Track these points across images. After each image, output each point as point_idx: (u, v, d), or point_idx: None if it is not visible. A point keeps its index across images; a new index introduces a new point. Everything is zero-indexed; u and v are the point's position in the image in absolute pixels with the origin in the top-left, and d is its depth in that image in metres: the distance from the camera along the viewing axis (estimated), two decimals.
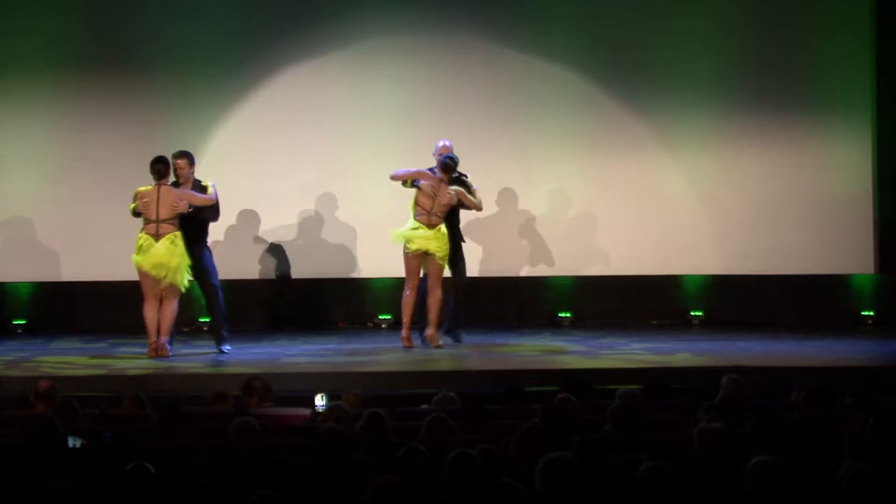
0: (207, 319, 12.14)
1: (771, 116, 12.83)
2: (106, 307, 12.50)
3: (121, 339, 11.59)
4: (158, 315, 10.63)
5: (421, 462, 5.85)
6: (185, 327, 12.28)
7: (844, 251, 12.88)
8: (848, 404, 7.47)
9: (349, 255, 12.68)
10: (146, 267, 10.57)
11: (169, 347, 10.63)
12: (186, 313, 12.43)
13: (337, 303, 12.84)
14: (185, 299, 12.46)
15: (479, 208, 11.28)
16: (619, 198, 12.80)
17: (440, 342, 11.00)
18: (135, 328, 12.15)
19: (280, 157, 12.27)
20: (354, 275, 12.75)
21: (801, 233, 12.88)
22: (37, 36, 12.44)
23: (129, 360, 10.44)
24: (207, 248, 11.05)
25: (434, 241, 10.89)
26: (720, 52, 12.86)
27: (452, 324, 11.31)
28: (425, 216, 10.93)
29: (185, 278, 10.66)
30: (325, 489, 5.84)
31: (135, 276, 12.35)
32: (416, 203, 10.97)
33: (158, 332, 10.61)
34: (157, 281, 10.59)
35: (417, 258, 10.95)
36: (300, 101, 12.56)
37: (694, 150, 12.87)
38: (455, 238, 11.14)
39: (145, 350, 10.77)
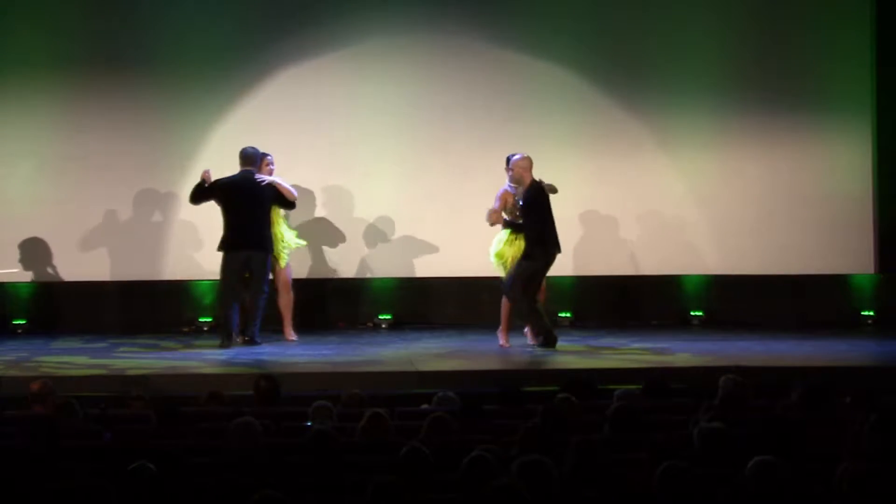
0: (209, 319, 12.15)
1: (771, 116, 12.83)
2: (106, 307, 12.51)
3: (121, 339, 11.59)
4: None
5: (422, 462, 5.86)
6: (185, 327, 12.29)
7: (844, 251, 12.89)
8: (848, 404, 7.48)
9: (349, 255, 12.67)
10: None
11: None
12: (187, 313, 12.46)
13: (337, 303, 12.83)
14: (186, 299, 12.53)
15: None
16: (618, 198, 12.80)
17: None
18: (135, 328, 12.19)
19: (279, 156, 12.20)
20: (354, 275, 12.74)
21: (801, 233, 12.88)
22: (35, 36, 12.43)
23: (129, 360, 10.44)
24: None
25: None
26: (720, 52, 12.86)
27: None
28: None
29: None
30: (325, 489, 5.85)
31: (133, 277, 12.45)
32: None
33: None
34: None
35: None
36: (299, 101, 12.55)
37: (694, 150, 12.87)
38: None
39: (146, 350, 10.96)
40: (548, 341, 10.89)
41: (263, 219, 11.14)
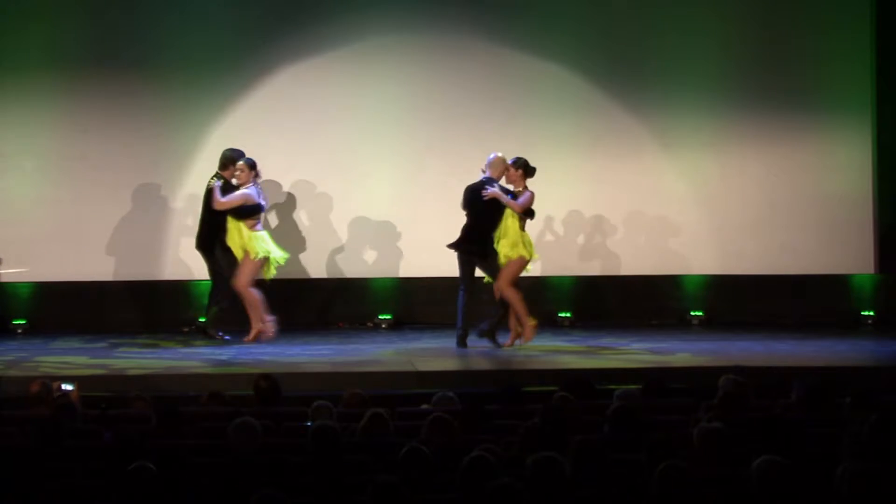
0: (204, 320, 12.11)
1: (771, 117, 12.84)
2: (106, 307, 12.50)
3: (121, 339, 11.59)
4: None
5: (422, 462, 5.86)
6: (185, 327, 12.29)
7: (844, 251, 12.89)
8: (848, 404, 7.48)
9: (349, 255, 12.67)
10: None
11: None
12: (187, 313, 12.45)
13: (337, 303, 12.83)
14: (186, 299, 12.53)
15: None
16: (618, 198, 12.80)
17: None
18: (135, 328, 12.19)
19: (279, 156, 12.25)
20: (354, 275, 12.74)
21: (801, 233, 12.89)
22: (36, 36, 12.43)
23: (129, 360, 10.44)
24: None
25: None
26: (720, 52, 12.87)
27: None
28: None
29: None
30: (325, 489, 5.85)
31: (133, 277, 12.45)
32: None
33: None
34: None
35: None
36: (299, 101, 12.55)
37: (694, 151, 12.88)
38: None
39: (146, 350, 10.97)
40: (483, 335, 10.98)
41: (206, 221, 11.34)
